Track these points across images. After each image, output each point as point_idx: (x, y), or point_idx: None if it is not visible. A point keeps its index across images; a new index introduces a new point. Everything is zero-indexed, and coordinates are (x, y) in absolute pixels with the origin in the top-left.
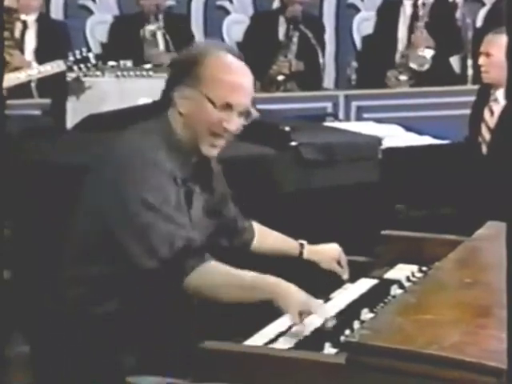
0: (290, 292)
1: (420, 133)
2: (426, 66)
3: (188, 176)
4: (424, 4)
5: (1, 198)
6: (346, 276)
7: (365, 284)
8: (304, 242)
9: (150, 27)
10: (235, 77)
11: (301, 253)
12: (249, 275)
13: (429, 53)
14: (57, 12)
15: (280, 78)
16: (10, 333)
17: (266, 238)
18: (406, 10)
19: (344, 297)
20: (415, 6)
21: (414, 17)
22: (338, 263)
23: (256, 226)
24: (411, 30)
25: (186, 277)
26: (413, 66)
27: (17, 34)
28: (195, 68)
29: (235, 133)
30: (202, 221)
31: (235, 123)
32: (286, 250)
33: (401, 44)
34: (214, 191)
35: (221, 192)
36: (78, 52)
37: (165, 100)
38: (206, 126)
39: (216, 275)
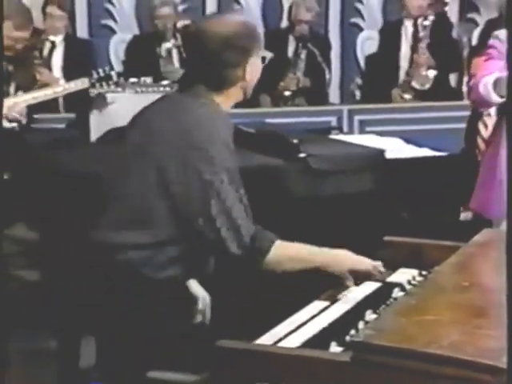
0: (338, 257)
1: (419, 145)
2: (428, 86)
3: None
4: (425, 26)
5: (1, 199)
6: None
7: (369, 287)
8: None
9: (167, 45)
10: None
11: None
12: (305, 248)
13: (431, 73)
14: (82, 32)
15: (287, 93)
16: (10, 333)
17: None
18: (408, 30)
19: (349, 299)
20: (415, 25)
21: (416, 37)
22: None
23: None
24: (414, 50)
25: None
26: (415, 85)
27: (45, 53)
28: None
29: None
30: None
31: None
32: None
33: (404, 62)
34: None
35: None
36: (101, 70)
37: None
38: None
39: (285, 252)
